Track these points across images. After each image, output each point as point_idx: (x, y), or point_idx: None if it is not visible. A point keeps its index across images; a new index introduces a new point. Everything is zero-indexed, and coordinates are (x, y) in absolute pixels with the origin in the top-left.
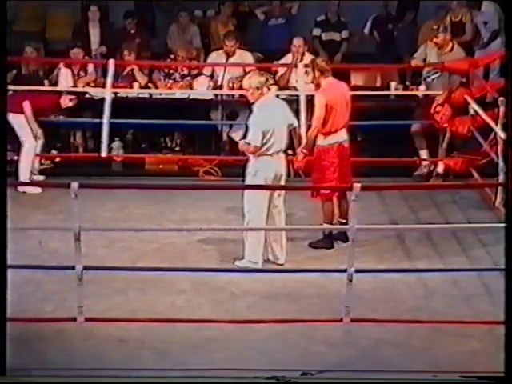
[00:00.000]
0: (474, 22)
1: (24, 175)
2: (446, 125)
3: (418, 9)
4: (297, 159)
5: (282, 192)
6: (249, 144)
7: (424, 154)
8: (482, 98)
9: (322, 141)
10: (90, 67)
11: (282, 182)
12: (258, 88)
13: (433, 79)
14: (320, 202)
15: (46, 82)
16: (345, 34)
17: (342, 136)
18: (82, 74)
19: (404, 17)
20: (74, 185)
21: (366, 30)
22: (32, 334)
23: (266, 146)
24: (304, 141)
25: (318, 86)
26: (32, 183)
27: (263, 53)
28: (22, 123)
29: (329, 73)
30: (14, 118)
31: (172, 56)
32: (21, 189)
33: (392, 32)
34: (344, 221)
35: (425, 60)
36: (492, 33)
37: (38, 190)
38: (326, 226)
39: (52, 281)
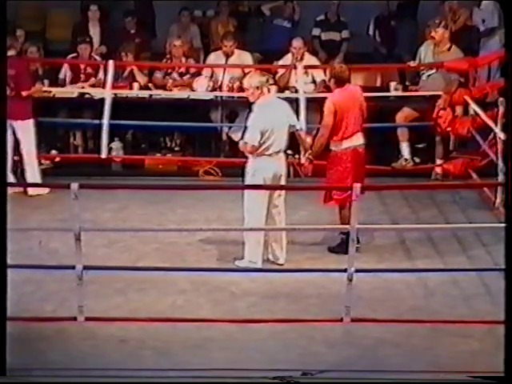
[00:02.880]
0: (474, 20)
1: (34, 179)
2: (449, 129)
3: (417, 8)
4: (304, 165)
5: (282, 192)
6: (246, 143)
7: (405, 146)
8: (482, 99)
9: (335, 146)
10: (100, 71)
11: (283, 182)
12: (257, 88)
13: (428, 76)
14: (336, 207)
15: (46, 81)
16: (345, 33)
17: (358, 140)
18: (88, 69)
19: (404, 16)
20: (74, 185)
21: (371, 32)
22: (32, 334)
23: (264, 146)
24: (307, 145)
25: (330, 90)
26: (33, 184)
27: (263, 52)
28: (30, 130)
29: (345, 83)
30: (21, 125)
31: (168, 56)
32: (31, 191)
33: (393, 32)
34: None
35: (420, 59)
36: (488, 30)
37: (46, 190)
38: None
39: (52, 280)
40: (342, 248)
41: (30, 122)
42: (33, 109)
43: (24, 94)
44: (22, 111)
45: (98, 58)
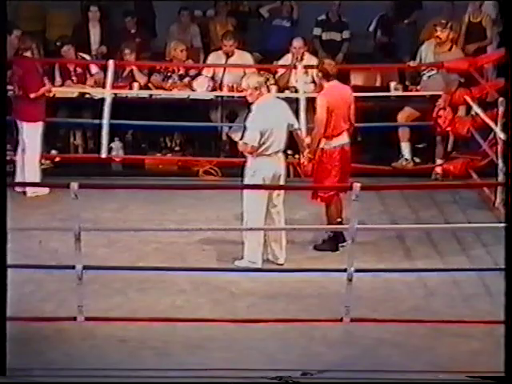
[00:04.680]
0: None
1: (34, 179)
2: (448, 128)
3: (420, 8)
4: (303, 164)
5: (282, 192)
6: (246, 144)
7: (405, 146)
8: (484, 98)
9: (324, 144)
10: (93, 67)
11: (282, 182)
12: (256, 88)
13: (429, 77)
14: (322, 205)
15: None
16: (346, 34)
17: (344, 139)
18: (78, 70)
19: (408, 16)
20: (74, 185)
21: (371, 28)
22: (32, 334)
23: (264, 146)
24: (306, 143)
25: (320, 87)
26: (32, 183)
27: (263, 52)
28: (36, 131)
29: (332, 77)
30: (29, 127)
31: (168, 59)
32: (30, 192)
33: (395, 32)
34: (339, 220)
35: (421, 59)
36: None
37: (46, 190)
38: (323, 226)
39: (52, 280)
40: (328, 245)
41: (38, 125)
42: (43, 111)
43: (32, 95)
44: (30, 112)
45: (86, 56)
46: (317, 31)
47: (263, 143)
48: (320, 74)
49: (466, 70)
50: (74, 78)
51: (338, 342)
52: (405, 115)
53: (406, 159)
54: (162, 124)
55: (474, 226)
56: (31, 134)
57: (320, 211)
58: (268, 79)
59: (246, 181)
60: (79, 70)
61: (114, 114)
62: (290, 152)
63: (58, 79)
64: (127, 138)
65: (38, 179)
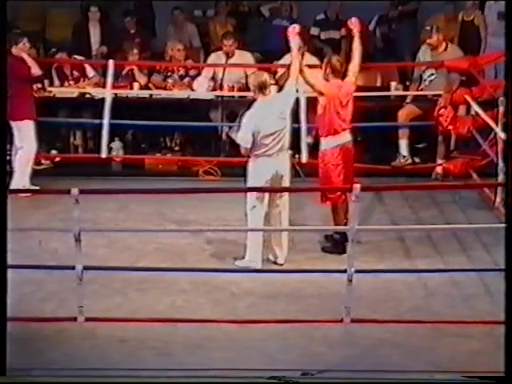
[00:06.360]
0: (486, 14)
1: (23, 181)
2: (450, 127)
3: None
4: None
5: (285, 193)
6: (240, 145)
7: (403, 143)
8: (491, 98)
9: (324, 144)
10: (90, 70)
11: (285, 182)
12: (257, 88)
13: (430, 81)
14: (330, 207)
15: (46, 81)
16: (343, 31)
17: (345, 137)
18: (75, 73)
19: (407, 16)
20: (75, 191)
21: (371, 27)
22: (32, 334)
23: (265, 147)
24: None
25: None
26: (32, 190)
27: (264, 51)
28: (26, 129)
29: (340, 74)
30: (18, 126)
31: (168, 59)
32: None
33: (395, 31)
34: (346, 221)
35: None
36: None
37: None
38: (324, 226)
39: (52, 281)
40: (336, 248)
41: (25, 123)
42: (30, 109)
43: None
44: (16, 110)
45: (82, 58)
46: (314, 31)
47: (262, 143)
48: (329, 70)
49: (466, 70)
50: (71, 81)
51: (338, 342)
52: (405, 112)
53: (404, 156)
54: (162, 124)
55: (474, 226)
56: (18, 133)
57: (321, 211)
58: (268, 79)
59: (248, 181)
60: (76, 73)
61: (114, 114)
62: (289, 152)
63: (56, 82)
64: (127, 138)
65: (25, 183)
